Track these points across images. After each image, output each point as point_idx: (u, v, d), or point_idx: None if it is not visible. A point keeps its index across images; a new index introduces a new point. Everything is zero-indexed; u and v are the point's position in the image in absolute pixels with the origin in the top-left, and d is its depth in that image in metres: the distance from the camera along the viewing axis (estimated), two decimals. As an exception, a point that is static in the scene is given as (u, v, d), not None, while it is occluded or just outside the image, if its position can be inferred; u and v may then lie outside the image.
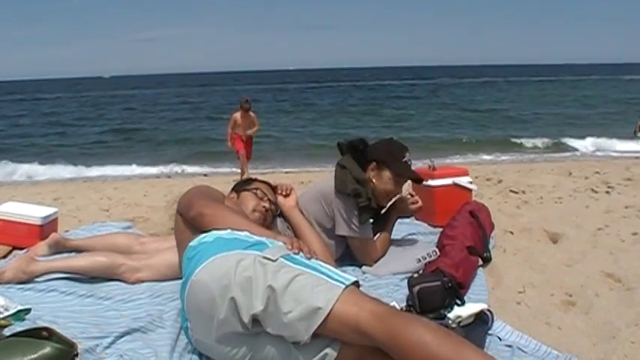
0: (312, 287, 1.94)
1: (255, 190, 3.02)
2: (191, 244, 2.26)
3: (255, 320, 1.97)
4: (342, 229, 3.12)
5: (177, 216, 2.62)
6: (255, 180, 3.19)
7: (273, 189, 3.15)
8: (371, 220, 3.27)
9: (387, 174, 3.17)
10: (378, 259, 3.22)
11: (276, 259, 2.05)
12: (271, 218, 3.05)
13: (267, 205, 3.00)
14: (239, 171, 9.73)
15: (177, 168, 12.14)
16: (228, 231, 2.29)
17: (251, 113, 9.66)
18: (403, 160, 3.20)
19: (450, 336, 1.81)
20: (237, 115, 9.57)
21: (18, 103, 37.81)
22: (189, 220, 2.47)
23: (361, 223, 3.12)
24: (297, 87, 52.07)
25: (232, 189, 3.10)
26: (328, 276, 2.02)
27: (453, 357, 1.72)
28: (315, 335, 1.93)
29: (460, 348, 1.76)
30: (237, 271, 1.99)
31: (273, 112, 25.14)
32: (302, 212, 3.13)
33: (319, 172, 8.78)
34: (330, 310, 1.89)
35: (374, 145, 3.30)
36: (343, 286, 1.95)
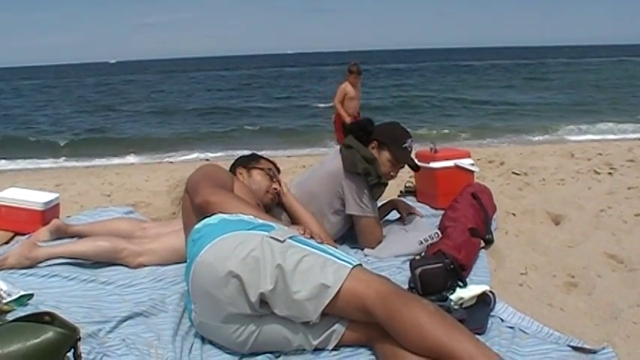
0: (321, 267, 1.97)
1: (268, 170, 3.02)
2: (196, 226, 2.26)
3: (263, 301, 1.98)
4: (352, 209, 3.14)
5: (186, 195, 2.60)
6: (262, 158, 3.16)
7: (279, 170, 3.14)
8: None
9: (386, 155, 3.23)
10: (380, 242, 3.22)
11: (284, 240, 2.06)
12: (276, 201, 3.05)
13: (277, 187, 3.00)
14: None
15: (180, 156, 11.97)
16: (233, 213, 2.28)
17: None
18: (404, 145, 3.25)
19: (445, 319, 1.82)
20: (347, 85, 7.59)
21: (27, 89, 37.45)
22: (195, 207, 2.46)
23: (373, 200, 3.18)
24: (297, 70, 51.76)
25: (240, 164, 3.05)
26: (335, 257, 2.04)
27: (445, 340, 1.75)
28: (323, 314, 1.96)
29: (454, 332, 1.77)
30: (244, 250, 2.00)
31: (270, 97, 25.07)
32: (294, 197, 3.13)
33: (320, 156, 8.74)
34: (339, 290, 1.91)
35: (378, 126, 3.35)
36: (351, 266, 1.97)
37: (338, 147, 3.37)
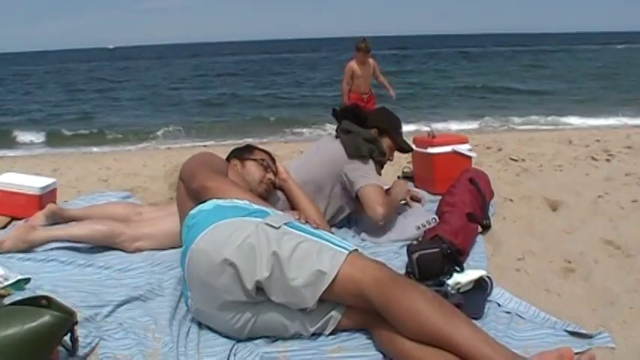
0: (317, 253, 1.96)
1: (261, 161, 3.01)
2: (191, 212, 2.25)
3: (259, 288, 1.98)
4: (357, 184, 3.09)
5: (180, 182, 2.61)
6: (257, 148, 3.16)
7: (274, 160, 3.14)
8: None
9: (386, 142, 3.33)
10: (388, 217, 3.10)
11: (279, 227, 2.05)
12: (272, 191, 3.05)
13: (271, 177, 2.99)
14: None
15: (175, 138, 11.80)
16: (228, 199, 2.28)
17: (371, 60, 7.35)
18: (400, 130, 3.41)
19: (443, 305, 1.83)
20: (354, 64, 7.25)
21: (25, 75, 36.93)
22: (192, 191, 2.46)
23: (378, 174, 3.22)
24: (295, 56, 51.45)
25: (234, 156, 3.06)
26: (332, 242, 2.04)
27: (443, 326, 1.75)
28: (320, 300, 1.96)
29: (451, 318, 1.78)
30: (239, 238, 1.99)
31: (268, 83, 24.92)
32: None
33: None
34: (335, 276, 1.91)
35: (373, 113, 3.47)
36: (347, 252, 1.97)
37: (332, 132, 3.38)
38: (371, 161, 3.17)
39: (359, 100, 7.12)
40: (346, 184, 3.17)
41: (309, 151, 3.41)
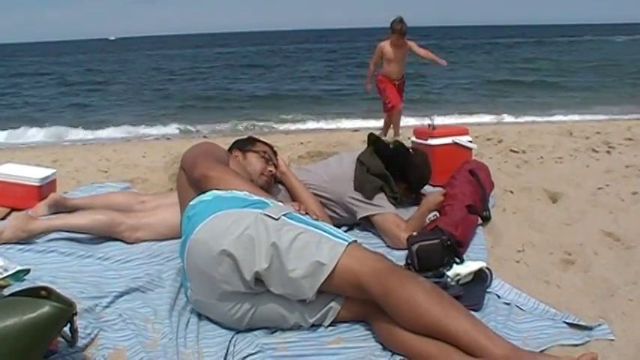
0: (316, 244, 1.96)
1: (263, 153, 3.01)
2: (191, 203, 2.25)
3: (258, 279, 1.98)
4: (365, 212, 3.06)
5: (181, 172, 2.60)
6: (258, 141, 3.16)
7: (275, 153, 3.14)
8: None
9: (408, 192, 3.41)
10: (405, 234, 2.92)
11: (278, 218, 2.05)
12: (272, 183, 3.04)
13: (272, 169, 2.99)
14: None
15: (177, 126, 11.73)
16: (228, 190, 2.28)
17: (410, 42, 6.61)
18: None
19: (441, 297, 1.83)
20: (386, 44, 6.55)
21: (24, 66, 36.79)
22: (193, 181, 2.46)
23: (386, 199, 3.15)
24: (294, 47, 51.24)
25: (236, 147, 3.07)
26: (331, 234, 2.04)
27: (441, 319, 1.75)
28: (319, 291, 1.96)
29: (450, 310, 1.78)
30: (238, 229, 1.99)
31: (267, 76, 24.83)
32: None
33: (318, 133, 8.69)
34: (334, 267, 1.91)
35: (415, 165, 3.41)
36: (346, 243, 1.97)
37: (357, 151, 3.33)
38: (381, 193, 3.11)
39: (390, 86, 6.62)
40: (349, 210, 3.12)
41: (331, 162, 3.36)
